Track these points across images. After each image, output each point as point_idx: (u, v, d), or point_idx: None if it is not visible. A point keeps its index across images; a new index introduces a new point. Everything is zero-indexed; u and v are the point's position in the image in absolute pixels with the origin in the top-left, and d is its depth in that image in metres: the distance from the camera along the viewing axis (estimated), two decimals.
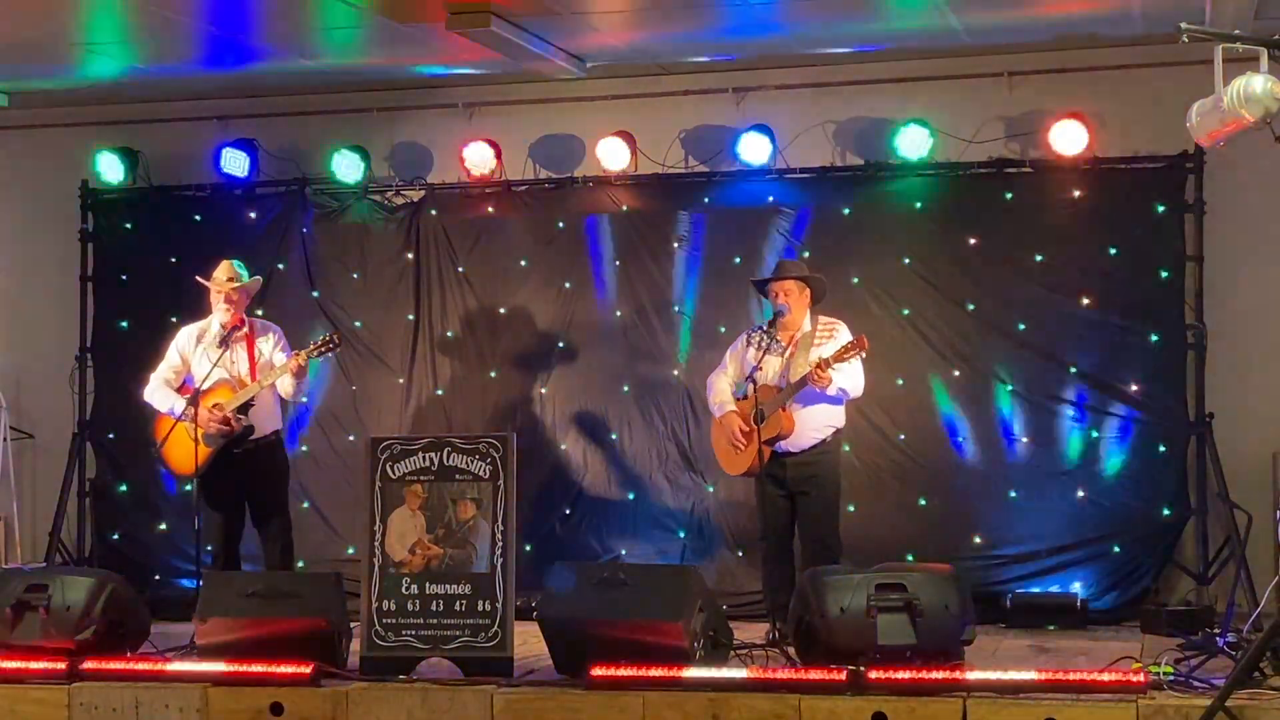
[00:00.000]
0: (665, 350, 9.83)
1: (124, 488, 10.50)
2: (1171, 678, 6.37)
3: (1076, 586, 8.98)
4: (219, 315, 8.45)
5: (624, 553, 9.66)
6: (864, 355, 7.95)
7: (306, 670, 6.76)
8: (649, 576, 7.15)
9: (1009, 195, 9.40)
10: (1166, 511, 9.06)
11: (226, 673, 6.84)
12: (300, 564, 9.13)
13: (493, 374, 10.07)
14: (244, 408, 8.28)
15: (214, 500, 8.43)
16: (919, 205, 9.53)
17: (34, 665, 7.00)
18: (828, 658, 6.58)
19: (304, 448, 10.03)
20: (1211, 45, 5.84)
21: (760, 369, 7.97)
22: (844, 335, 8.05)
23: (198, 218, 10.50)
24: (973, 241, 9.43)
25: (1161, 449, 9.11)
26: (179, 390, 8.45)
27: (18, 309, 10.94)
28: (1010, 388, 9.31)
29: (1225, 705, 5.89)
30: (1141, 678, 6.24)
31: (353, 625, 7.26)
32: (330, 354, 8.47)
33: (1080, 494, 9.15)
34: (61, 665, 6.97)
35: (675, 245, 9.85)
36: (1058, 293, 9.25)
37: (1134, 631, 8.46)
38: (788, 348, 8.09)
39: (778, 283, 8.16)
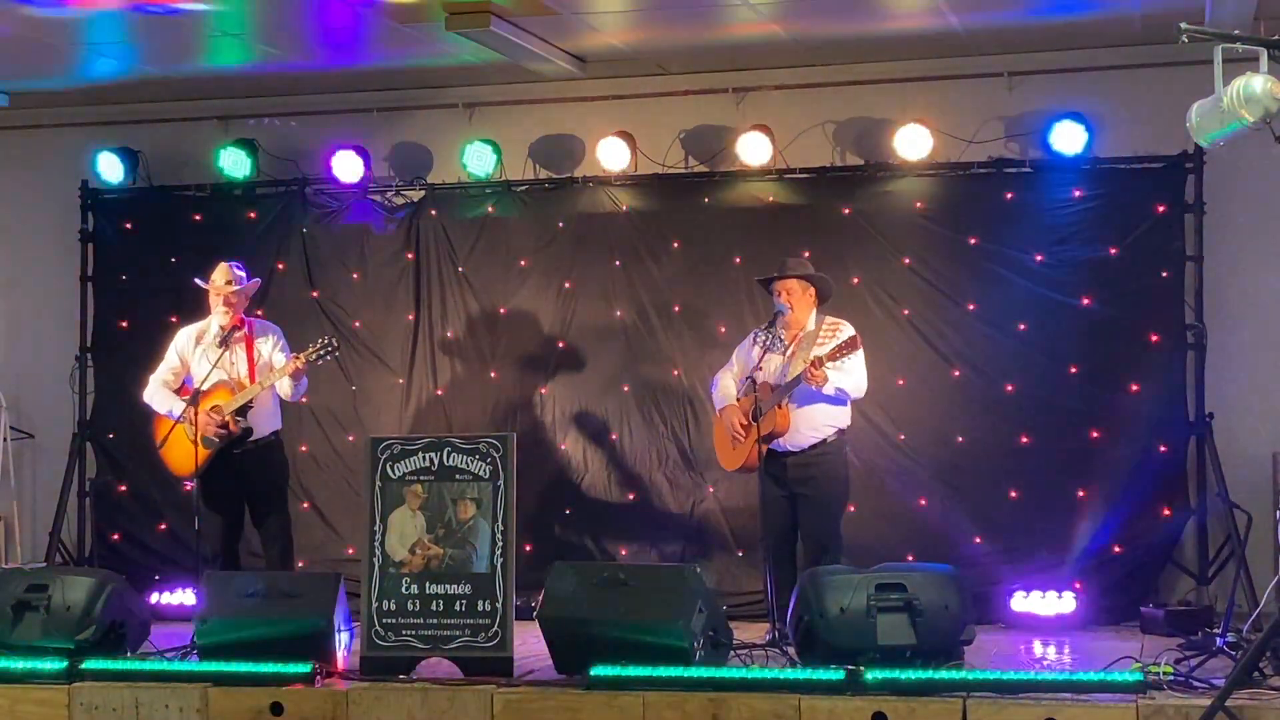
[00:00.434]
0: (665, 350, 9.83)
1: (124, 488, 10.49)
2: (1171, 678, 6.37)
3: (1076, 586, 8.97)
4: (218, 317, 8.45)
5: (624, 553, 9.66)
6: (855, 355, 7.92)
7: (306, 670, 6.77)
8: (649, 576, 7.15)
9: (1009, 195, 9.40)
10: (1166, 511, 9.06)
11: (226, 673, 6.85)
12: (300, 564, 9.13)
13: (493, 374, 10.07)
14: (243, 409, 8.28)
15: (213, 501, 8.43)
16: (919, 205, 9.53)
17: (34, 665, 7.00)
18: (828, 658, 6.58)
19: (304, 448, 10.02)
20: (1211, 45, 5.83)
21: (760, 368, 7.97)
22: (847, 334, 8.02)
23: (198, 218, 10.50)
24: (973, 241, 9.43)
25: (1161, 449, 9.11)
26: (178, 391, 8.46)
27: (18, 309, 10.95)
28: (1010, 387, 9.31)
29: (1225, 705, 5.89)
30: (1141, 678, 6.24)
31: (353, 625, 7.26)
32: (329, 357, 8.46)
33: (1080, 494, 9.14)
34: (61, 665, 6.97)
35: (675, 245, 9.85)
36: (1058, 293, 9.25)
37: (1134, 631, 8.47)
38: (790, 346, 8.09)
39: (780, 281, 8.16)
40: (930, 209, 9.52)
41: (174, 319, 10.14)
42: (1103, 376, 9.19)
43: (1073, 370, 9.23)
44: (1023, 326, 9.30)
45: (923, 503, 9.35)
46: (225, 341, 8.36)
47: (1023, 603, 8.90)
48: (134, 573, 9.35)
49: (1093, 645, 8.01)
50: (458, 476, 7.19)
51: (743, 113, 9.86)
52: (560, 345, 9.98)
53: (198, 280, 8.62)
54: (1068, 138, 9.14)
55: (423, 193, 10.27)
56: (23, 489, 10.74)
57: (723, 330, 9.56)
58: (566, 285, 10.00)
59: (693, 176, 9.92)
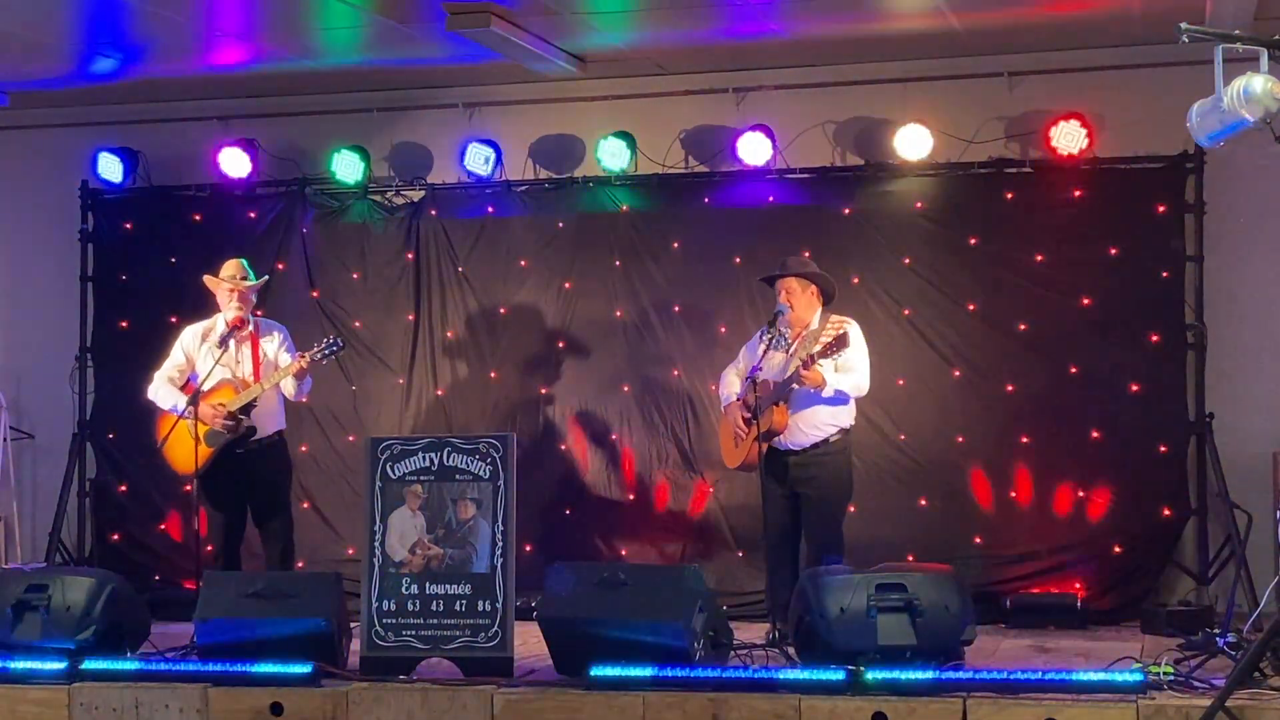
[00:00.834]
0: (665, 350, 9.83)
1: (124, 488, 10.50)
2: (1171, 678, 6.38)
3: (1076, 586, 8.98)
4: (230, 313, 8.42)
5: (624, 553, 9.66)
6: (855, 353, 7.90)
7: (306, 670, 6.77)
8: (649, 576, 7.15)
9: (1009, 195, 9.40)
10: (1166, 511, 9.06)
11: (226, 673, 6.84)
12: (299, 564, 9.13)
13: (493, 374, 10.07)
14: (247, 408, 8.27)
15: (215, 499, 8.43)
16: (919, 205, 9.53)
17: (34, 665, 7.00)
18: (828, 658, 6.58)
19: (304, 448, 10.02)
20: (1211, 45, 5.83)
21: (760, 367, 7.97)
22: (854, 332, 8.00)
23: (198, 218, 10.51)
24: (973, 241, 9.43)
25: (1161, 449, 9.11)
26: (183, 389, 8.44)
27: (18, 309, 10.94)
28: (1010, 388, 9.31)
29: (1225, 705, 5.90)
30: (1141, 678, 6.24)
31: (353, 625, 7.26)
32: (334, 357, 8.46)
33: (1080, 493, 9.15)
34: (61, 665, 6.97)
35: (675, 245, 9.85)
36: (1058, 293, 9.25)
37: (1134, 631, 8.47)
38: (793, 345, 8.09)
39: (780, 280, 8.16)
40: (930, 209, 9.52)
41: (174, 319, 10.13)
42: (1103, 376, 9.19)
43: (1073, 370, 9.23)
44: (1023, 326, 9.30)
45: (923, 503, 9.35)
46: (225, 341, 8.34)
47: (1023, 603, 8.90)
48: (134, 573, 9.35)
49: (1093, 645, 8.01)
50: (458, 476, 7.19)
51: (743, 113, 9.86)
52: (560, 345, 9.98)
53: (206, 277, 8.60)
54: (1068, 138, 9.14)
55: (423, 193, 10.27)
56: (23, 489, 10.75)
57: (723, 330, 9.56)
58: (566, 285, 10.00)
59: (693, 176, 9.92)
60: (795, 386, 7.85)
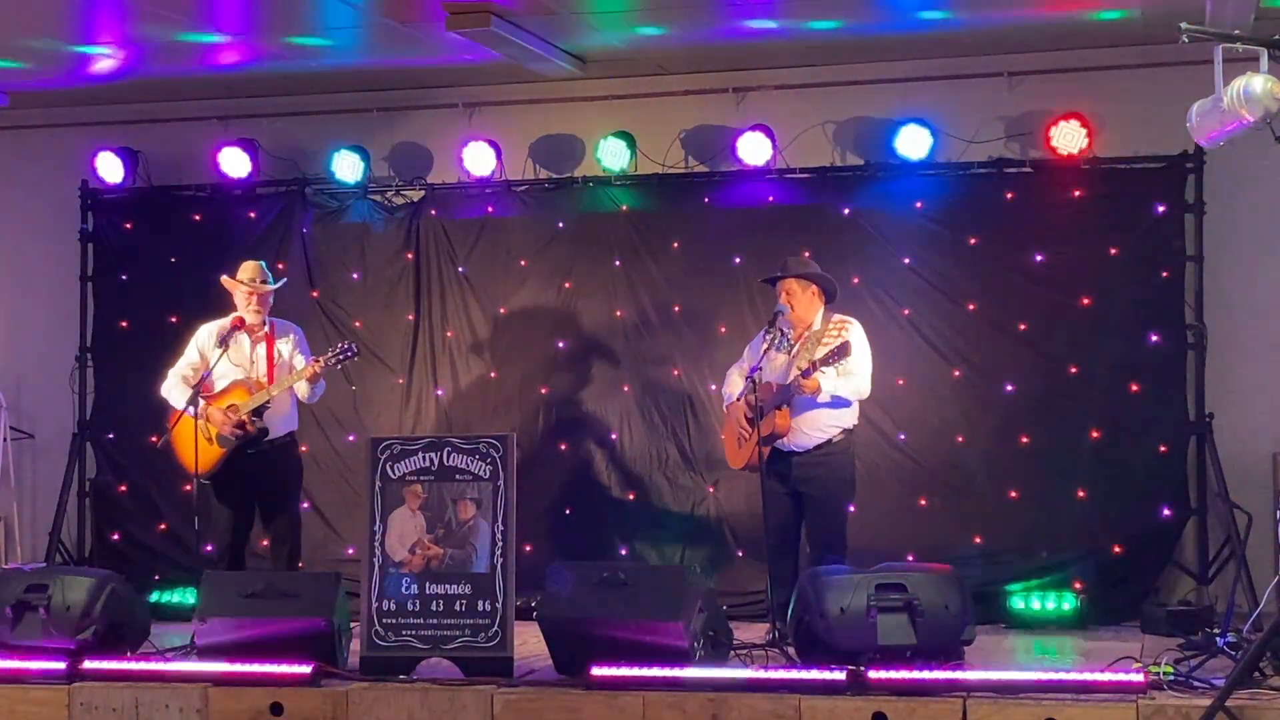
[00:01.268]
0: (665, 350, 9.83)
1: (124, 488, 10.50)
2: (1171, 678, 6.38)
3: (1076, 586, 8.98)
4: (246, 315, 8.41)
5: (624, 553, 9.66)
6: (856, 357, 7.90)
7: (306, 670, 6.77)
8: (649, 576, 7.15)
9: (1009, 195, 9.40)
10: (1166, 511, 9.06)
11: (226, 673, 6.84)
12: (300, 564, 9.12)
13: (493, 374, 10.07)
14: (259, 410, 8.26)
15: (224, 496, 8.41)
16: (919, 205, 9.53)
17: (34, 665, 7.00)
18: (828, 658, 6.58)
19: (304, 448, 10.01)
20: (1211, 45, 5.84)
21: (761, 367, 7.96)
22: (855, 333, 8.00)
23: (198, 218, 10.51)
24: (973, 241, 9.43)
25: (1161, 449, 9.11)
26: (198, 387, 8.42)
27: (18, 309, 10.94)
28: (1010, 388, 9.31)
29: (1225, 705, 5.90)
30: (1141, 678, 6.25)
31: (353, 625, 7.26)
32: (348, 361, 8.44)
33: (1080, 494, 9.14)
34: (61, 665, 6.97)
35: (675, 245, 9.85)
36: (1058, 293, 9.25)
37: (1134, 631, 8.46)
38: (795, 345, 8.08)
39: (781, 281, 8.15)
40: (930, 209, 9.52)
41: (174, 319, 10.16)
42: (1103, 376, 9.19)
43: (1073, 370, 9.23)
44: (1023, 326, 9.30)
45: (923, 503, 9.35)
46: (225, 341, 8.33)
47: (1023, 603, 8.90)
48: (134, 573, 9.35)
49: (1093, 645, 8.01)
50: (458, 476, 7.19)
51: (743, 113, 9.86)
52: (560, 345, 9.98)
53: (224, 278, 8.58)
54: (1068, 138, 9.14)
55: (423, 193, 10.27)
56: (23, 489, 10.74)
57: (723, 330, 9.56)
58: (566, 285, 10.00)
59: (693, 176, 9.92)
60: (794, 395, 7.85)
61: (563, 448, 9.93)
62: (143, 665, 7.06)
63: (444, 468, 7.20)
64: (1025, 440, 9.27)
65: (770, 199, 9.75)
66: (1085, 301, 9.21)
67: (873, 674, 6.37)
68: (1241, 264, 9.22)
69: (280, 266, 10.21)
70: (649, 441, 9.81)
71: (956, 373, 9.39)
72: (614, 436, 9.87)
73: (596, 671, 6.58)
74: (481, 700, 6.58)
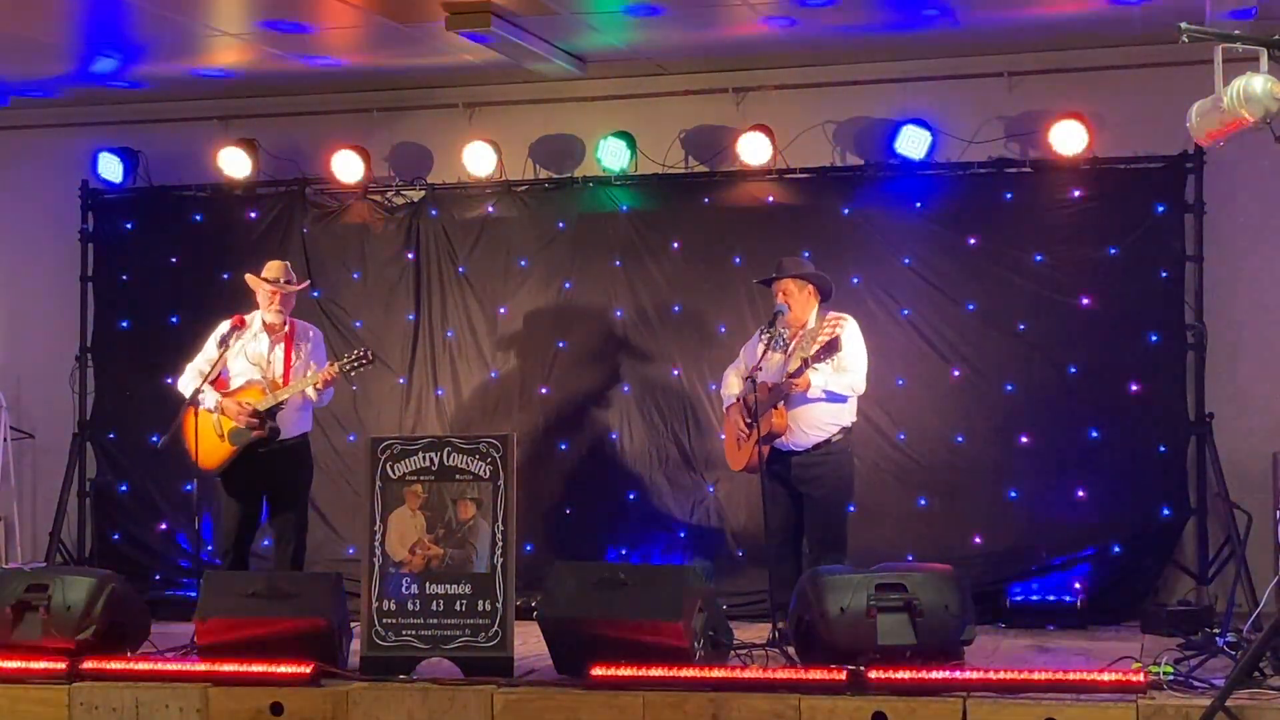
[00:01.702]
0: (665, 350, 9.83)
1: (124, 488, 10.50)
2: (1171, 678, 6.38)
3: (1076, 586, 8.97)
4: (268, 315, 8.41)
5: (624, 552, 9.66)
6: (851, 353, 7.89)
7: (306, 670, 6.77)
8: (649, 576, 7.15)
9: (1009, 195, 9.40)
10: (1166, 511, 9.06)
11: (226, 673, 6.84)
12: None
13: (493, 374, 10.08)
14: (273, 410, 8.25)
15: (233, 491, 8.40)
16: (919, 205, 9.53)
17: (34, 665, 7.00)
18: (828, 658, 6.58)
19: None
20: (1211, 45, 5.83)
21: (761, 367, 7.97)
22: (849, 330, 8.00)
23: (198, 218, 10.52)
24: (973, 241, 9.43)
25: (1161, 449, 9.11)
26: (213, 384, 8.40)
27: (18, 309, 10.94)
28: (1010, 387, 9.31)
29: (1225, 705, 5.89)
30: (1141, 678, 6.25)
31: (353, 625, 7.26)
32: (362, 369, 8.42)
33: (1080, 494, 9.15)
34: (61, 665, 6.97)
35: (675, 245, 9.86)
36: (1058, 293, 9.25)
37: (1134, 631, 8.46)
38: (791, 345, 8.09)
39: (777, 282, 8.16)
40: (930, 209, 9.52)
41: (174, 319, 10.18)
42: (1103, 376, 9.19)
43: (1073, 370, 9.23)
44: (1022, 326, 9.31)
45: (923, 503, 9.35)
46: (225, 341, 8.32)
47: (1023, 603, 8.90)
48: (134, 573, 9.35)
49: (1093, 645, 8.01)
50: (458, 476, 7.19)
51: (743, 113, 9.87)
52: (560, 345, 9.98)
53: (248, 275, 8.56)
54: (1068, 138, 9.14)
55: (423, 193, 10.27)
56: (23, 489, 10.74)
57: (723, 330, 9.56)
58: (566, 285, 10.00)
59: (693, 176, 9.92)
60: (787, 393, 7.85)
61: (562, 448, 9.93)
62: (143, 665, 7.06)
63: (444, 468, 7.20)
64: (1025, 440, 9.27)
65: (770, 199, 9.75)
66: (1085, 301, 9.22)
67: (873, 674, 6.37)
68: (1241, 264, 9.22)
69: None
70: (649, 441, 9.81)
71: (956, 373, 9.39)
72: (614, 436, 9.88)
73: (596, 671, 6.58)
74: (481, 700, 6.58)
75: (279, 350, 8.40)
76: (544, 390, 9.97)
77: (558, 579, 7.03)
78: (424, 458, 7.23)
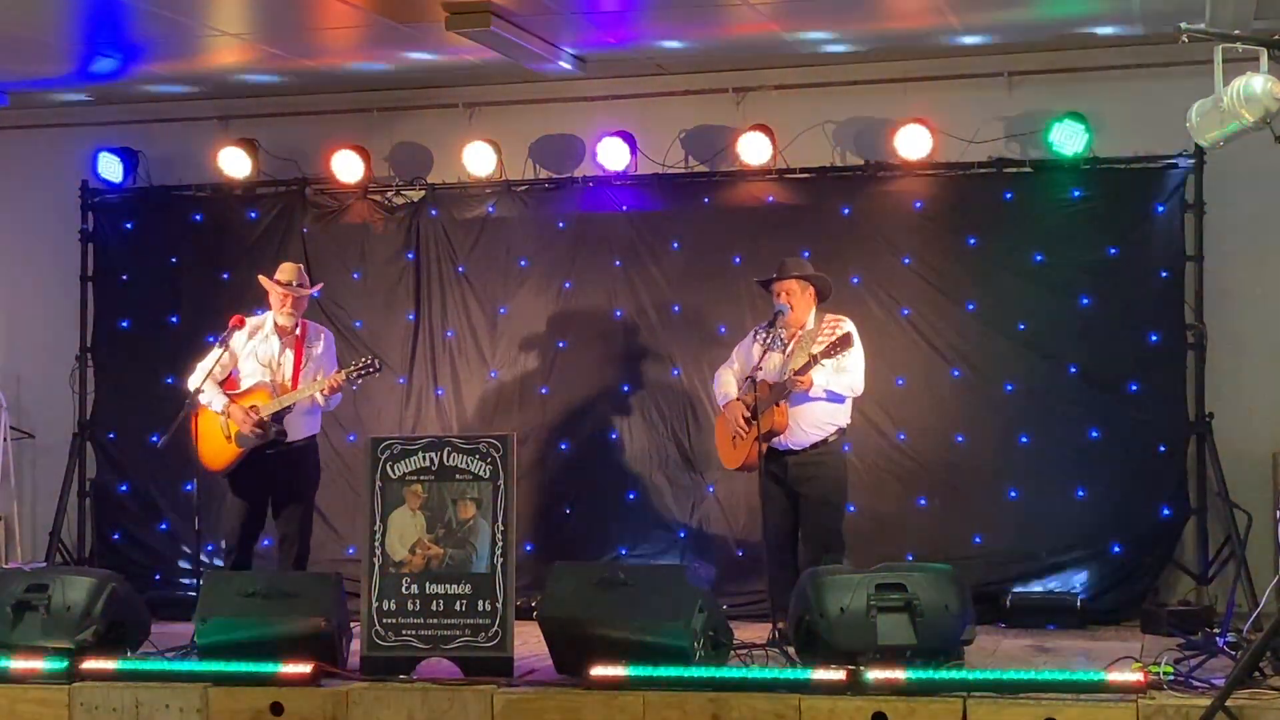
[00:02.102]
0: (665, 350, 9.83)
1: (124, 488, 10.50)
2: (1171, 678, 6.38)
3: (1076, 586, 8.98)
4: (279, 317, 8.40)
5: (624, 552, 9.66)
6: (852, 354, 7.91)
7: (306, 670, 6.77)
8: (649, 576, 7.14)
9: (1009, 195, 9.40)
10: (1166, 511, 9.06)
11: (226, 673, 6.84)
12: None
13: (493, 374, 10.08)
14: (280, 414, 8.25)
15: (240, 490, 8.41)
16: (919, 205, 9.53)
17: (34, 665, 7.00)
18: (828, 658, 6.58)
19: None
20: (1211, 45, 5.83)
21: (761, 367, 7.98)
22: (847, 330, 8.01)
23: (198, 218, 10.52)
24: (973, 241, 9.43)
25: (1161, 449, 9.11)
26: (223, 384, 8.39)
27: (18, 309, 10.94)
28: (1010, 388, 9.31)
29: (1225, 705, 5.90)
30: (1141, 678, 6.24)
31: (353, 625, 7.26)
32: (370, 376, 8.42)
33: (1080, 494, 9.14)
34: (61, 665, 6.97)
35: (675, 245, 9.86)
36: (1058, 293, 9.25)
37: (1134, 631, 8.47)
38: (790, 345, 8.10)
39: (780, 282, 8.16)
40: (930, 209, 9.52)
41: (174, 319, 10.18)
42: (1103, 376, 9.19)
43: (1072, 370, 9.23)
44: (1022, 326, 9.30)
45: (923, 503, 9.35)
46: (224, 341, 8.32)
47: (1023, 603, 8.90)
48: (134, 573, 9.35)
49: (1093, 645, 8.01)
50: (458, 476, 7.19)
51: (743, 113, 9.86)
52: (560, 345, 9.98)
53: (261, 276, 8.57)
54: (1068, 138, 9.14)
55: (423, 193, 10.27)
56: (23, 489, 10.74)
57: (723, 330, 9.55)
58: (566, 285, 10.00)
59: (693, 176, 9.92)
60: (789, 391, 7.87)
61: (562, 448, 9.93)
62: (143, 665, 7.06)
63: (444, 468, 7.20)
64: (1025, 440, 9.27)
65: (770, 199, 9.75)
66: (1085, 301, 9.21)
67: (873, 674, 6.37)
68: (1241, 264, 9.21)
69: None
70: (649, 441, 9.81)
71: (956, 373, 9.39)
72: (614, 436, 9.87)
73: (596, 671, 6.58)
74: (481, 700, 6.58)
75: (289, 353, 8.39)
76: (544, 390, 9.97)
77: (558, 579, 7.03)
78: (424, 458, 7.23)
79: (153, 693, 6.81)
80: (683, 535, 9.69)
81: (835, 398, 8.02)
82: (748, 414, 8.00)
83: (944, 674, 6.38)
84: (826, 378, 7.90)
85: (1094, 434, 9.16)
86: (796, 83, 9.81)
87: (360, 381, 8.42)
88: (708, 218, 9.82)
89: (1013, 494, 9.24)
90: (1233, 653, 6.94)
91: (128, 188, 10.59)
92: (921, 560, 8.53)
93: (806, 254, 8.77)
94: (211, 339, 8.64)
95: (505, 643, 6.97)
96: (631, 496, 9.81)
